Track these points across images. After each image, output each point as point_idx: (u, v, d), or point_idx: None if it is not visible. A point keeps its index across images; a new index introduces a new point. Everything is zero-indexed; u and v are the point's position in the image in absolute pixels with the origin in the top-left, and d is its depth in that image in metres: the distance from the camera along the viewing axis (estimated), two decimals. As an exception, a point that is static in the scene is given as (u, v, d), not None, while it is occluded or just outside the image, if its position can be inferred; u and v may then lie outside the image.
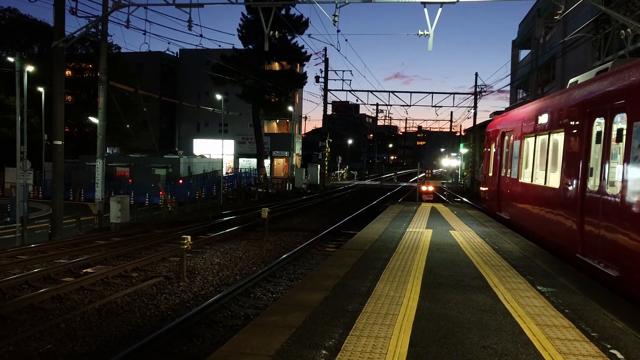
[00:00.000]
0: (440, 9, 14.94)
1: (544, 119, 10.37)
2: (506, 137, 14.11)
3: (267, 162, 55.20)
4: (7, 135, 36.27)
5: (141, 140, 47.16)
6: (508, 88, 46.95)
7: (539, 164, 10.64)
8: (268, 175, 51.36)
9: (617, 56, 19.63)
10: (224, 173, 40.89)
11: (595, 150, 7.60)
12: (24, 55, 21.31)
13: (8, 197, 28.91)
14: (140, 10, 17.12)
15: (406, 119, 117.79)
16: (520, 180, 12.14)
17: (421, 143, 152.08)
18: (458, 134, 73.54)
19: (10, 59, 23.18)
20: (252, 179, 46.13)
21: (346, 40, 60.82)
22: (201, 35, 33.23)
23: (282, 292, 9.81)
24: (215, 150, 50.30)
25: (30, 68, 21.57)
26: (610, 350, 4.45)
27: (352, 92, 54.89)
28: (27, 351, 6.97)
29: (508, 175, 13.55)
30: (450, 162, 73.01)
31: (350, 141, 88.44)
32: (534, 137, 11.12)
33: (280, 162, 62.41)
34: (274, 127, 64.83)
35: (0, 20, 47.83)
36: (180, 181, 35.19)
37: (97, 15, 18.73)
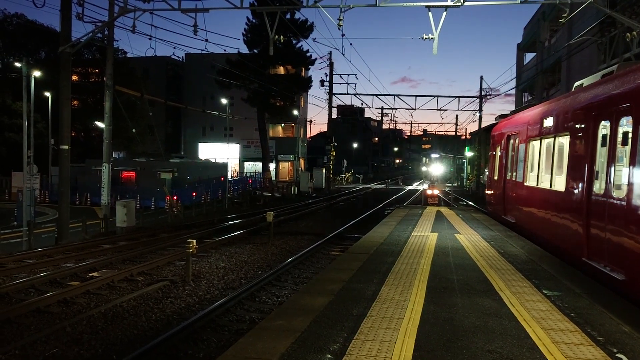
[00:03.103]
0: (444, 13, 14.95)
1: (549, 122, 10.35)
2: (511, 141, 14.07)
3: (272, 166, 55.31)
4: (14, 140, 36.54)
5: (147, 144, 47.40)
6: (513, 91, 46.90)
7: (545, 167, 10.61)
8: (273, 179, 51.43)
9: (623, 59, 19.56)
10: (230, 177, 40.94)
11: (601, 153, 7.57)
12: (30, 60, 21.51)
13: (15, 201, 29.05)
14: (146, 16, 17.30)
15: (411, 123, 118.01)
16: (525, 184, 12.10)
17: (426, 147, 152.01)
18: (463, 137, 73.14)
19: (18, 64, 23.38)
20: (258, 183, 46.18)
21: (351, 44, 61.00)
22: (207, 40, 33.32)
23: (287, 296, 9.81)
24: (221, 155, 50.44)
25: (37, 73, 21.69)
26: (617, 355, 4.43)
27: (357, 95, 55.13)
28: (33, 355, 7.01)
29: (513, 179, 13.51)
30: (430, 167, 61.26)
31: (355, 145, 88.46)
32: (539, 141, 11.08)
33: (285, 166, 62.51)
34: (279, 131, 64.95)
35: (8, 26, 48.21)
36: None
37: (103, 21, 18.86)
